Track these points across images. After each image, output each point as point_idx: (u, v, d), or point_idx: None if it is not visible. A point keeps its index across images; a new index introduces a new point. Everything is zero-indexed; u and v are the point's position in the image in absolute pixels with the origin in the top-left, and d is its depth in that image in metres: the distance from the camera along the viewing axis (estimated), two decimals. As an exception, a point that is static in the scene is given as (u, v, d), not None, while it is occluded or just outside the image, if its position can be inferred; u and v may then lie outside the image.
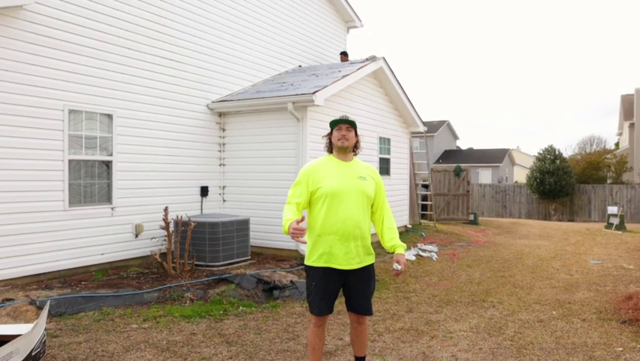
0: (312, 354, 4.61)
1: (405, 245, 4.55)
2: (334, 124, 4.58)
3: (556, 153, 31.14)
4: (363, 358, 4.83)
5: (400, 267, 4.43)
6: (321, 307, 4.45)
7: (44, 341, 5.40)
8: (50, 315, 6.89)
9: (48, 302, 5.86)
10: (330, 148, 4.64)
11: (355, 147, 4.63)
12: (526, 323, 7.01)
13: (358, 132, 4.68)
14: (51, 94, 8.51)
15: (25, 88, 8.18)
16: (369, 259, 4.54)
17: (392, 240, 4.53)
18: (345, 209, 4.36)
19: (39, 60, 8.35)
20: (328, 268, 4.41)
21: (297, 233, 4.02)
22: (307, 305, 7.81)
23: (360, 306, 4.54)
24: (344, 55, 16.13)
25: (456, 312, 7.58)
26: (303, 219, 4.19)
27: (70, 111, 8.78)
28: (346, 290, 4.55)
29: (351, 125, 4.55)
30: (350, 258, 4.40)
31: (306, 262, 4.50)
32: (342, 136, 4.49)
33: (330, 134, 4.63)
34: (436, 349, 5.97)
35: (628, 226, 21.79)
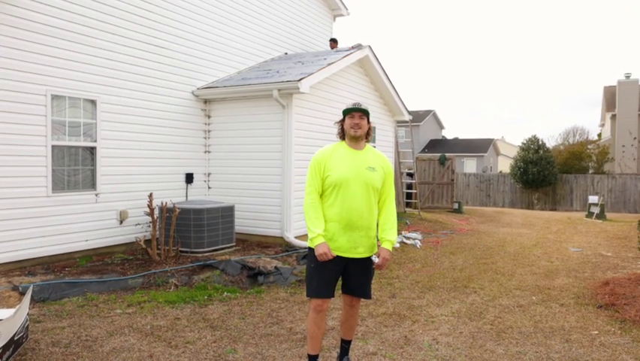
0: (310, 343, 4.57)
1: (394, 241, 4.50)
2: (347, 112, 4.50)
3: (540, 143, 31.31)
4: (350, 342, 4.86)
5: (377, 260, 4.41)
6: (320, 289, 4.41)
7: (27, 326, 5.39)
8: (33, 301, 6.87)
9: (31, 287, 5.84)
10: (343, 135, 4.58)
11: (367, 135, 4.57)
12: (506, 308, 7.08)
13: (372, 123, 4.65)
14: (33, 79, 8.43)
15: (7, 72, 8.08)
16: (373, 249, 4.53)
17: (383, 232, 4.51)
18: (351, 199, 4.36)
19: (21, 44, 8.26)
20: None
21: (324, 257, 4.28)
22: (291, 291, 7.85)
23: (358, 290, 4.56)
24: (333, 41, 16.12)
25: (438, 297, 7.64)
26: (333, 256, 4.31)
27: (54, 97, 8.70)
28: (345, 275, 4.53)
29: (364, 113, 4.48)
30: (352, 247, 4.40)
31: (310, 244, 4.43)
32: (355, 125, 4.44)
33: (342, 121, 4.56)
34: (417, 333, 6.02)
35: (608, 215, 22.04)
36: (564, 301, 7.52)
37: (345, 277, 4.55)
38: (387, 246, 4.46)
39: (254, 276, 8.34)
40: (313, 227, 4.35)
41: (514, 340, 5.83)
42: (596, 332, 6.12)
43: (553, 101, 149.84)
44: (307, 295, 4.51)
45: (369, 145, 4.65)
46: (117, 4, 9.75)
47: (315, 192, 4.44)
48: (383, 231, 4.51)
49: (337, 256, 4.40)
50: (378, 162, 4.54)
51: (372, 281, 8.40)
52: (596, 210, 20.64)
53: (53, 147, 8.71)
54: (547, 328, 6.27)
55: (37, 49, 8.47)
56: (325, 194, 4.45)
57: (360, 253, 4.43)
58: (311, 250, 4.44)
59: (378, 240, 4.57)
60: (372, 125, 14.41)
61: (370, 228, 4.46)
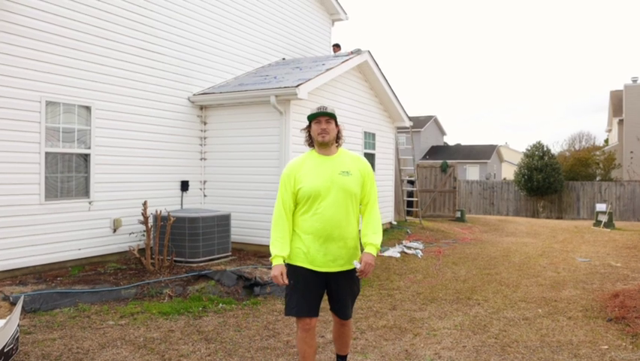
0: None
1: (377, 245, 4.30)
2: (312, 117, 4.36)
3: (545, 149, 31.32)
4: (345, 357, 4.79)
5: (358, 266, 4.23)
6: (299, 307, 4.26)
7: (17, 338, 5.38)
8: (24, 311, 6.86)
9: (22, 298, 5.83)
10: (311, 142, 4.45)
11: (338, 138, 4.42)
12: (511, 321, 7.06)
13: (342, 124, 4.54)
14: (28, 85, 8.45)
15: (1, 78, 8.11)
16: (355, 260, 4.37)
17: (365, 236, 4.32)
18: (325, 209, 4.22)
19: (15, 50, 8.28)
20: (306, 268, 4.28)
21: (277, 281, 4.15)
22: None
23: (338, 310, 4.43)
24: (336, 46, 16.19)
25: (440, 310, 7.62)
26: (291, 285, 4.23)
27: (48, 103, 8.71)
28: (328, 291, 4.42)
29: (331, 116, 4.33)
30: (329, 260, 4.26)
31: (286, 260, 4.32)
32: (323, 130, 4.30)
33: (309, 128, 4.43)
34: (419, 347, 6.00)
35: (616, 223, 22.01)
36: (572, 313, 7.49)
37: (328, 293, 4.42)
38: (370, 250, 4.25)
39: (250, 287, 8.33)
40: (272, 246, 4.27)
41: (519, 355, 5.80)
42: (606, 347, 6.08)
43: (558, 106, 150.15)
44: (285, 314, 4.37)
45: (342, 149, 4.49)
46: (112, 10, 9.78)
47: (283, 207, 4.32)
48: (365, 235, 4.32)
49: (314, 272, 4.27)
50: (353, 164, 4.37)
51: (372, 293, 8.42)
52: (603, 218, 20.61)
53: (47, 153, 8.72)
54: (555, 342, 6.25)
55: (31, 55, 8.49)
56: (299, 206, 4.32)
57: (339, 265, 4.30)
58: (288, 265, 4.32)
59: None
60: (359, 130, 14.45)
61: (349, 237, 4.31)
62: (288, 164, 4.45)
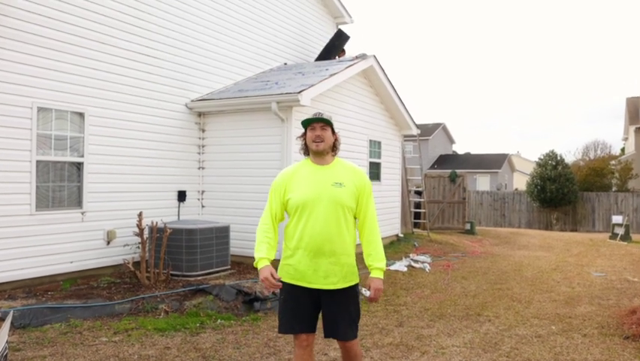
0: None
1: (383, 266, 4.21)
2: (307, 123, 4.27)
3: (558, 158, 31.29)
4: None
5: (368, 293, 4.14)
6: (291, 325, 4.17)
7: (6, 355, 5.36)
8: (13, 327, 6.84)
9: (11, 313, 5.82)
10: (307, 150, 4.34)
11: (334, 147, 4.31)
12: (523, 339, 7.03)
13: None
14: (19, 90, 8.47)
15: (-10, 83, 8.15)
16: (351, 280, 4.22)
17: (369, 257, 4.22)
18: (314, 221, 4.10)
19: (5, 54, 8.31)
20: (297, 285, 4.18)
21: (268, 284, 4.05)
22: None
23: (333, 331, 4.22)
24: (340, 51, 16.18)
25: (449, 326, 7.59)
26: (279, 280, 4.09)
27: (39, 109, 8.74)
28: (323, 311, 4.24)
29: (327, 123, 4.23)
30: (320, 276, 4.12)
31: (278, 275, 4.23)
32: (317, 137, 4.20)
33: (304, 135, 4.32)
34: (426, 365, 5.97)
35: (634, 236, 21.95)
36: (587, 331, 7.46)
37: (322, 311, 4.25)
38: (376, 274, 4.18)
39: (250, 302, 8.30)
40: (256, 250, 4.20)
41: (531, 373, 5.78)
42: (620, 365, 6.06)
43: (573, 114, 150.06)
44: (279, 331, 4.27)
45: (338, 158, 4.38)
46: (107, 13, 9.82)
47: (270, 216, 4.29)
48: (368, 256, 4.22)
49: (305, 289, 4.16)
50: (347, 176, 4.24)
51: (377, 308, 8.39)
52: (620, 231, 20.56)
53: (38, 162, 8.73)
54: None
55: (22, 59, 8.52)
56: (290, 218, 4.26)
57: (332, 283, 4.14)
58: (279, 281, 4.20)
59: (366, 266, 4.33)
60: (364, 138, 14.45)
61: (343, 253, 4.17)
62: (280, 172, 4.40)
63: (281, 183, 4.29)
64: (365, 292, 4.13)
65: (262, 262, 4.11)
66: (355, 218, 4.31)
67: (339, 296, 4.18)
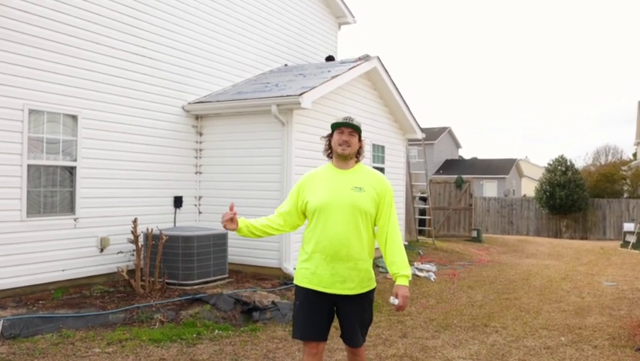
0: None
1: (408, 274, 4.27)
2: (336, 126, 4.37)
3: (568, 163, 31.31)
4: None
5: (396, 302, 4.19)
6: (305, 330, 4.25)
7: (-5, 367, 5.35)
8: (3, 337, 6.83)
9: (1, 323, 5.82)
10: (330, 153, 4.47)
11: (358, 154, 4.42)
12: (532, 350, 7.01)
13: (364, 139, 4.53)
14: (9, 92, 8.47)
15: (-20, 85, 8.15)
16: (367, 285, 4.32)
17: (393, 265, 4.28)
18: (332, 225, 4.19)
19: (-4, 54, 8.33)
20: (313, 290, 4.26)
21: (223, 220, 4.25)
22: (290, 329, 7.80)
23: (347, 337, 4.35)
24: (330, 59, 16.10)
25: (455, 337, 7.57)
26: (232, 207, 4.30)
27: (31, 111, 8.74)
28: (338, 316, 4.37)
29: (356, 129, 4.34)
30: (336, 281, 4.21)
31: (294, 281, 4.37)
32: (344, 142, 4.30)
33: (330, 136, 4.45)
34: (431, 378, 5.96)
35: (646, 244, 21.90)
36: (597, 342, 7.44)
37: (337, 315, 4.37)
38: (402, 282, 4.22)
39: (248, 312, 8.29)
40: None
41: (540, 386, 5.76)
42: (633, 378, 6.04)
43: (583, 118, 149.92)
44: (292, 336, 4.37)
45: (361, 164, 4.49)
46: (102, 12, 9.83)
47: (283, 208, 4.48)
48: (392, 264, 4.28)
49: (321, 293, 4.24)
50: (368, 181, 4.34)
51: (380, 319, 8.37)
52: (632, 239, 20.54)
53: (29, 166, 8.73)
54: (578, 373, 6.20)
55: (13, 59, 8.52)
56: (309, 221, 4.37)
57: (349, 288, 4.23)
58: (296, 287, 4.35)
59: (386, 272, 4.42)
60: (365, 142, 14.44)
61: (360, 259, 4.26)
62: (306, 174, 4.53)
63: (306, 181, 4.44)
64: (393, 300, 4.15)
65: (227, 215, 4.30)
66: (375, 225, 4.38)
67: (354, 302, 4.29)
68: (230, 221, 4.24)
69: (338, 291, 4.22)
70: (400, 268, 4.26)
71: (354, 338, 4.32)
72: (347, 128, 4.33)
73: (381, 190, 4.34)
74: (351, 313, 4.30)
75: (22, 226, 8.68)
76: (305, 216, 4.44)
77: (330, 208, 4.21)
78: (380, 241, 4.38)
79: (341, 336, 4.41)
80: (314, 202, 4.26)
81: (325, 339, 4.30)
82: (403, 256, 4.31)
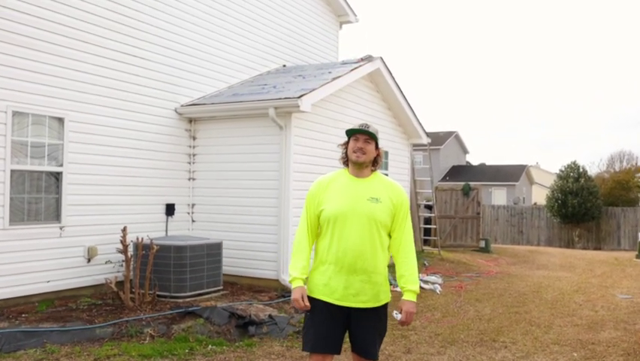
0: None
1: (417, 289, 4.34)
2: (351, 133, 4.42)
3: (581, 170, 31.32)
4: None
5: (399, 316, 4.26)
6: (315, 343, 4.29)
7: (-26, 384, 5.31)
8: (-16, 353, 6.80)
9: (-20, 337, 5.78)
10: (347, 160, 4.50)
11: (375, 162, 4.47)
12: (543, 367, 6.98)
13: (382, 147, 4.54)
14: (-9, 93, 8.46)
15: (-39, 86, 8.14)
16: (382, 299, 4.37)
17: (402, 278, 4.34)
18: (347, 236, 4.25)
19: (-22, 53, 8.32)
20: (325, 301, 4.29)
21: (298, 305, 4.29)
22: (288, 344, 7.78)
23: (361, 349, 4.37)
24: None
25: (462, 353, 7.54)
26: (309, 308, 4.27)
27: (15, 113, 8.72)
28: (350, 329, 4.40)
29: (372, 136, 4.38)
30: (350, 294, 4.26)
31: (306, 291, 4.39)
32: (360, 149, 4.34)
33: (346, 144, 4.48)
34: (437, 396, 5.92)
35: (663, 255, 21.87)
36: (612, 358, 7.41)
37: (349, 330, 4.40)
38: (409, 297, 4.30)
39: (244, 326, 8.26)
40: (291, 268, 4.36)
41: (551, 405, 5.72)
42: (650, 397, 6.00)
43: (597, 122, 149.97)
44: (302, 349, 4.42)
45: (377, 173, 4.54)
46: (90, 9, 9.82)
47: (306, 228, 4.44)
48: (401, 277, 4.34)
49: (334, 306, 4.28)
50: (385, 191, 4.40)
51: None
52: (647, 249, 20.51)
53: (12, 171, 8.71)
54: (592, 391, 6.17)
55: (-5, 58, 8.51)
56: (322, 230, 4.40)
57: (362, 302, 4.28)
58: (308, 298, 4.35)
59: (395, 285, 4.44)
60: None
61: (375, 272, 4.30)
62: (316, 181, 4.54)
63: (315, 192, 4.47)
64: (396, 315, 4.19)
65: (296, 282, 4.30)
66: (389, 236, 4.43)
67: (368, 315, 4.35)
68: (302, 303, 4.29)
69: (351, 304, 4.28)
70: (408, 282, 4.32)
71: (369, 349, 4.36)
72: (362, 135, 4.37)
73: (397, 201, 4.41)
74: (363, 327, 4.35)
75: (4, 234, 8.64)
76: None
77: (345, 219, 4.26)
78: (393, 253, 4.45)
79: (353, 350, 4.42)
80: (329, 210, 4.31)
81: (337, 352, 4.35)
82: (413, 270, 4.36)
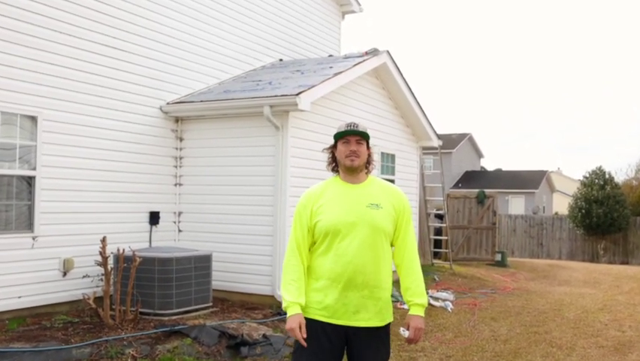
0: None
1: (425, 303, 4.30)
2: (340, 136, 4.31)
3: (607, 176, 31.35)
4: None
5: (406, 334, 4.21)
6: None
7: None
8: (-52, 375, 6.79)
9: (-56, 358, 5.77)
10: (335, 166, 4.43)
11: (367, 164, 4.39)
12: (565, 393, 6.97)
13: (371, 146, 4.48)
14: (-42, 89, 8.47)
15: None
16: (384, 317, 4.29)
17: (408, 291, 4.29)
18: (346, 249, 4.15)
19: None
20: (322, 322, 4.19)
21: (294, 334, 4.08)
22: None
23: None
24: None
25: (476, 378, 7.53)
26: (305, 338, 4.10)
27: (-17, 112, 8.73)
28: (348, 352, 4.30)
29: (363, 136, 4.29)
30: (350, 312, 4.16)
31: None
32: (353, 152, 4.25)
33: (333, 148, 4.40)
34: None
35: (697, 270, 21.89)
36: (641, 384, 7.40)
37: (348, 353, 4.30)
38: (417, 312, 4.25)
39: (236, 346, 8.26)
40: (285, 291, 4.21)
41: None
42: None
43: (624, 125, 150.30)
44: None
45: (372, 176, 4.47)
46: (67, -4, 9.82)
47: (296, 246, 4.29)
48: (407, 291, 4.28)
49: (332, 326, 4.18)
50: (385, 196, 4.32)
51: (390, 355, 8.31)
52: (680, 264, 20.51)
53: (-20, 176, 8.71)
54: (619, 420, 6.16)
55: (-38, 51, 8.52)
56: (316, 245, 4.28)
57: (364, 320, 4.18)
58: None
59: (399, 301, 4.39)
60: (373, 149, 14.45)
61: (377, 286, 4.22)
62: (306, 192, 4.43)
63: (306, 204, 4.33)
64: (403, 332, 4.13)
65: (292, 309, 4.15)
66: (392, 245, 4.37)
67: (370, 337, 4.24)
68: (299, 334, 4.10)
69: (350, 323, 4.18)
70: (415, 295, 4.26)
71: None
72: (353, 136, 4.29)
73: (399, 206, 4.34)
74: (364, 349, 4.24)
75: (-29, 245, 8.66)
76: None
77: (345, 229, 4.17)
78: (396, 264, 4.39)
79: None
80: (326, 221, 4.20)
81: None
82: (420, 281, 4.32)
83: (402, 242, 4.35)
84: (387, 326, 4.33)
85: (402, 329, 4.17)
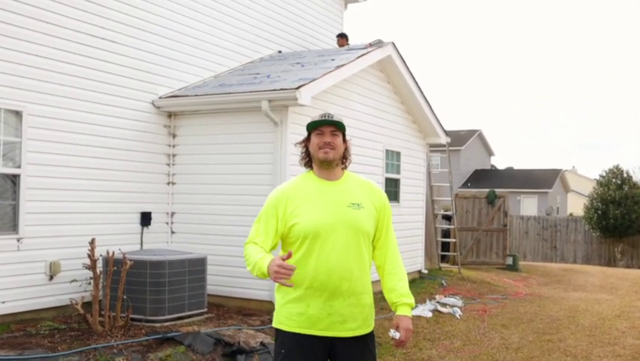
0: None
1: (412, 302, 4.22)
2: (313, 126, 4.19)
3: (625, 175, 31.35)
4: None
5: (397, 335, 4.14)
6: None
7: None
8: None
9: None
10: (308, 161, 4.30)
11: (344, 158, 4.26)
12: (580, 405, 6.97)
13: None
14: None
15: None
16: (371, 323, 4.23)
17: (393, 292, 4.22)
18: (329, 253, 4.03)
19: None
20: (305, 335, 4.08)
21: (282, 273, 3.71)
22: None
23: None
24: (342, 37, 16.02)
25: (486, 388, 7.54)
26: (289, 255, 3.85)
27: (-35, 106, 8.74)
28: None
29: (338, 127, 4.17)
30: (335, 321, 4.05)
31: (275, 324, 4.19)
32: (327, 144, 4.12)
33: (306, 141, 4.27)
34: None
35: None
36: (660, 395, 7.40)
37: None
38: (404, 312, 4.17)
39: (232, 355, 8.27)
40: (251, 257, 4.08)
41: None
42: None
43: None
44: None
45: (349, 172, 4.35)
46: (53, -17, 9.82)
47: (253, 244, 4.18)
48: (392, 291, 4.22)
49: (315, 338, 4.06)
50: (364, 195, 4.23)
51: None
52: (702, 268, 20.52)
53: (-38, 174, 8.72)
54: None
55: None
56: (294, 249, 4.09)
57: (351, 329, 4.10)
58: (279, 332, 4.15)
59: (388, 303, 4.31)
60: (379, 147, 14.46)
61: (363, 292, 4.15)
62: (276, 190, 4.33)
63: (283, 198, 4.20)
64: (393, 333, 4.09)
65: (264, 260, 3.90)
66: (373, 246, 4.31)
67: (357, 345, 4.16)
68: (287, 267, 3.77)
69: (337, 333, 4.09)
70: (402, 295, 4.21)
71: None
72: (328, 127, 4.17)
73: (379, 205, 4.27)
74: (353, 356, 4.16)
75: (-47, 247, 8.67)
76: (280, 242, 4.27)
77: (326, 232, 4.05)
78: (378, 265, 4.33)
79: None
80: (304, 225, 4.07)
81: None
82: (405, 282, 4.26)
83: (384, 242, 4.29)
84: (373, 332, 4.28)
85: (392, 330, 4.13)
